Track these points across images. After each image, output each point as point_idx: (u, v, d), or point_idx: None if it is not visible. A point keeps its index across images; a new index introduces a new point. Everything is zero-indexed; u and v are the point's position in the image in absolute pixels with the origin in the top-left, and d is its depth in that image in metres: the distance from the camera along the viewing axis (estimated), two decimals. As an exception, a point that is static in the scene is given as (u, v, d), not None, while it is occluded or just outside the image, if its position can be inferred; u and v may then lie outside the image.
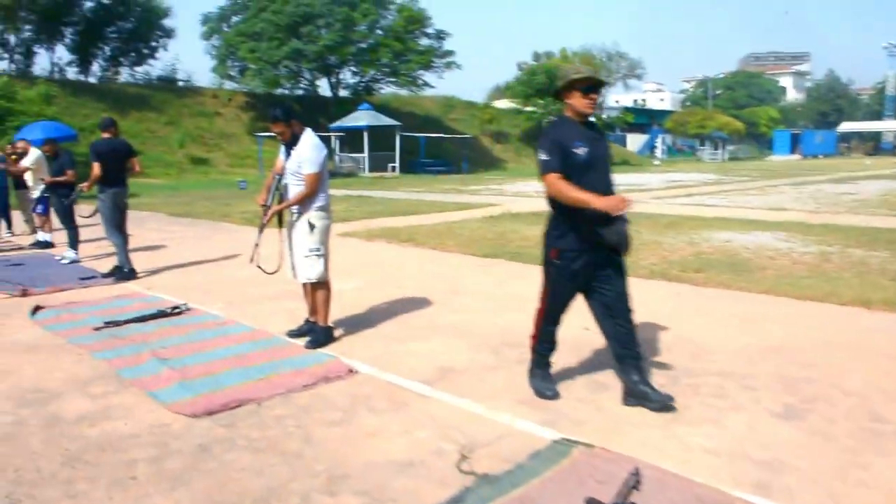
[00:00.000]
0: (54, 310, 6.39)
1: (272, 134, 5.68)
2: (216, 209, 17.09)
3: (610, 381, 4.27)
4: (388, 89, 44.92)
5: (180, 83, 42.87)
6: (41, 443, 3.54)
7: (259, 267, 5.33)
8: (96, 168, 7.93)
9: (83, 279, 8.12)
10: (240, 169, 35.18)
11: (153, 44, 42.07)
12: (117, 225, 8.27)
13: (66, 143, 17.49)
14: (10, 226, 13.21)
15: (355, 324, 5.82)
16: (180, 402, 3.96)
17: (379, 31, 38.49)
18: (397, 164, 36.67)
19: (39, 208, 11.23)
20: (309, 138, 5.18)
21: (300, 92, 44.03)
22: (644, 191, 22.65)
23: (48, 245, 11.17)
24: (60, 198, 9.67)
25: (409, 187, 25.44)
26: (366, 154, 35.72)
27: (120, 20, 40.26)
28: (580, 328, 5.04)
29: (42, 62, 52.73)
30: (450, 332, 5.58)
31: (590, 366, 4.67)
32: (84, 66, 41.11)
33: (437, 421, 3.75)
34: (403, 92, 46.34)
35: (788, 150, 74.62)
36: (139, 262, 8.92)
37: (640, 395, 3.90)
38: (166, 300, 6.78)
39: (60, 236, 11.19)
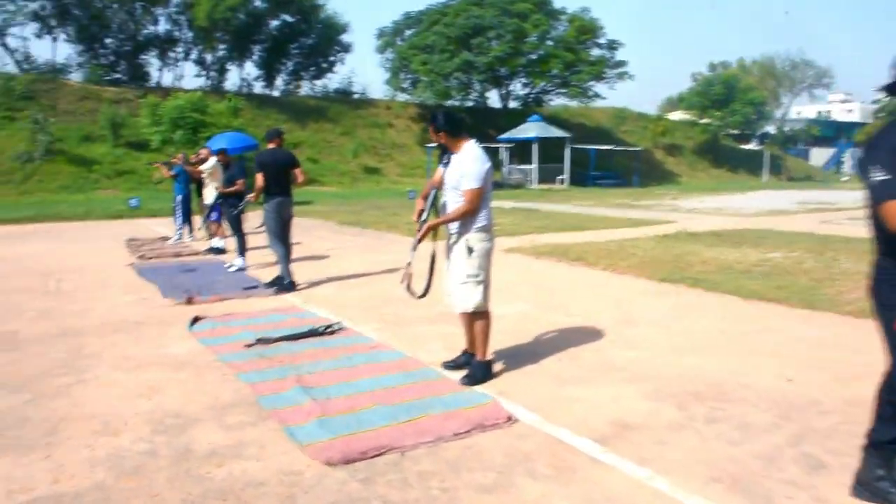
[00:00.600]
0: (211, 322, 6.28)
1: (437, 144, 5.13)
2: (384, 219, 17.14)
3: (830, 460, 3.38)
4: (557, 101, 44.21)
5: (355, 95, 44.40)
6: (166, 481, 3.22)
7: (408, 289, 4.88)
8: (259, 179, 7.91)
9: (246, 289, 8.10)
10: (409, 179, 35.77)
11: (331, 58, 43.89)
12: (280, 235, 8.19)
13: (248, 153, 18.43)
14: (192, 231, 13.82)
15: (517, 357, 5.21)
16: (317, 444, 3.52)
17: (549, 42, 37.82)
18: (566, 177, 35.80)
19: (213, 215, 11.59)
20: (471, 150, 4.63)
21: (470, 103, 44.30)
22: (837, 210, 20.43)
23: (220, 251, 11.49)
24: (230, 207, 9.82)
25: (579, 200, 24.56)
26: (534, 166, 35.15)
27: (302, 37, 42.31)
28: (782, 378, 4.15)
29: (233, 78, 57.85)
30: (624, 373, 4.83)
31: (801, 432, 3.77)
32: (269, 80, 43.58)
33: (612, 498, 3.05)
34: (573, 103, 45.44)
35: None
36: (301, 272, 8.84)
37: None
38: (321, 317, 6.51)
39: (233, 243, 11.52)
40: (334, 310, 6.85)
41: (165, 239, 13.77)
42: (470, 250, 4.62)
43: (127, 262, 10.55)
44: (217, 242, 11.71)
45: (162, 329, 6.14)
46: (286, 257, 8.13)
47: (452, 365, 4.88)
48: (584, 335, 5.85)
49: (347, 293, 7.88)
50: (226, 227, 11.32)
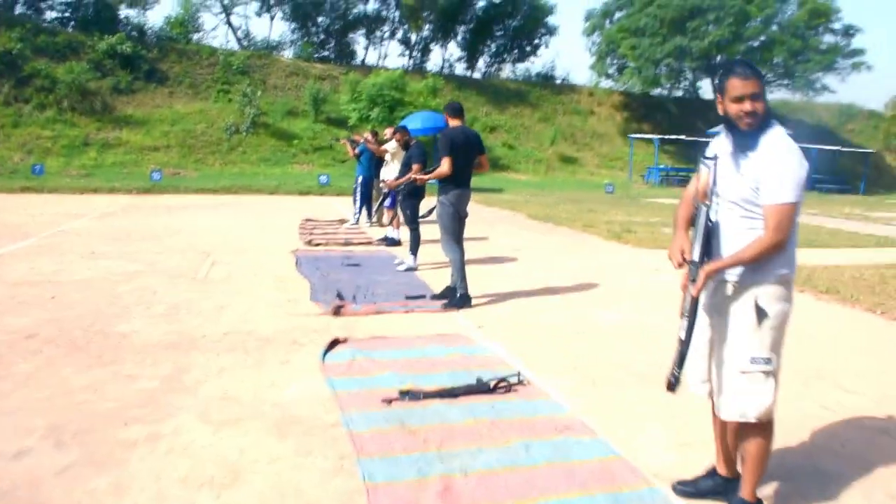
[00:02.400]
0: (351, 350, 4.82)
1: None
2: (580, 216, 15.27)
3: None
4: (777, 93, 39.63)
5: (557, 80, 42.43)
6: None
7: (672, 381, 2.71)
8: (447, 164, 6.36)
9: (410, 298, 6.64)
10: (607, 171, 33.47)
11: (535, 41, 42.16)
12: (457, 236, 6.64)
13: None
14: (370, 215, 12.76)
15: (789, 480, 3.25)
16: None
17: (774, 27, 33.56)
18: (784, 178, 31.66)
19: (388, 202, 10.32)
20: (781, 139, 2.69)
21: (679, 93, 40.91)
22: None
23: (395, 243, 10.22)
24: (407, 196, 8.43)
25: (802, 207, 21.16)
26: (749, 163, 31.41)
27: (507, 18, 40.92)
28: None
29: (435, 59, 57.87)
30: None
31: None
32: (471, 62, 42.68)
33: None
34: (794, 97, 40.63)
35: None
36: (479, 280, 7.28)
37: None
38: (495, 355, 4.87)
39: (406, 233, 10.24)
40: (514, 344, 5.19)
41: (343, 222, 12.84)
42: (762, 314, 2.69)
43: (292, 248, 9.55)
44: (392, 233, 10.47)
45: (289, 352, 4.79)
46: (461, 264, 6.56)
47: (692, 490, 3.00)
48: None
49: (533, 318, 6.18)
50: (400, 216, 10.06)
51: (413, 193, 8.35)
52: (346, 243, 10.23)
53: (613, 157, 35.25)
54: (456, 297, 6.47)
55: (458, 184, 6.49)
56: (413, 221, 8.43)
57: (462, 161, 6.44)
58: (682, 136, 33.09)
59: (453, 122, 6.59)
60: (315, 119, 30.14)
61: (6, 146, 23.69)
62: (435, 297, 6.70)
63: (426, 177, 6.89)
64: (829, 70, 35.48)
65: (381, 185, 10.83)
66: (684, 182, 30.42)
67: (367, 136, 12.74)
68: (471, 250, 8.69)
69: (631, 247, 10.97)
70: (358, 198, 12.53)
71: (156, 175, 20.84)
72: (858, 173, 36.13)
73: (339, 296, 6.52)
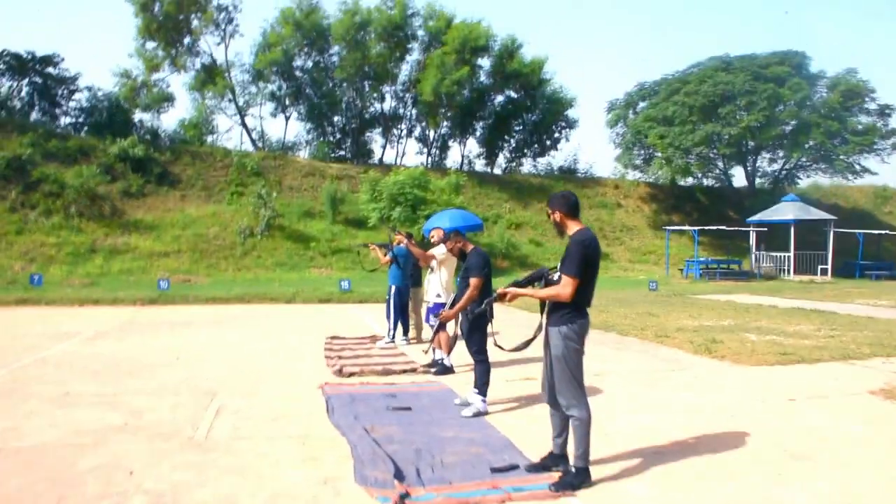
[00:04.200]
0: None
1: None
2: (641, 321, 13.28)
3: None
4: (809, 178, 38.19)
5: (581, 174, 41.19)
6: None
7: None
8: (570, 286, 4.47)
9: (496, 471, 4.62)
10: (641, 265, 31.60)
11: (556, 135, 41.19)
12: (581, 383, 4.67)
13: (471, 234, 15.45)
14: (406, 331, 10.84)
15: None
16: None
17: (808, 109, 32.25)
18: (829, 266, 29.71)
19: (433, 320, 8.38)
20: None
21: (711, 181, 39.47)
22: None
23: (447, 370, 8.21)
24: (476, 326, 6.49)
25: (866, 299, 19.06)
26: (792, 253, 29.52)
27: (526, 112, 40.09)
28: None
29: (454, 155, 56.95)
30: None
31: None
32: (490, 157, 41.65)
33: None
34: (826, 181, 39.10)
35: None
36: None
37: None
38: None
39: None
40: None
41: (374, 339, 10.89)
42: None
43: (319, 381, 7.58)
44: (441, 356, 8.50)
45: None
46: (590, 425, 4.57)
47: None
48: None
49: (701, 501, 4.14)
50: (446, 337, 8.13)
51: (480, 321, 6.42)
52: (386, 371, 8.24)
53: (646, 250, 33.44)
54: (571, 472, 4.45)
55: (585, 309, 4.66)
56: (481, 353, 6.48)
57: (592, 280, 4.61)
58: (723, 227, 31.35)
59: (574, 225, 4.69)
60: (333, 220, 28.68)
61: (7, 254, 22.20)
62: (533, 467, 4.67)
63: (544, 294, 4.87)
64: (869, 151, 33.92)
65: (426, 303, 8.87)
66: (727, 275, 28.45)
67: (402, 237, 10.96)
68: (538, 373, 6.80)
69: (731, 363, 8.91)
70: (392, 311, 10.63)
71: (163, 283, 19.12)
72: (908, 257, 34.20)
73: (397, 473, 4.50)
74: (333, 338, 11.00)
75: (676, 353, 9.76)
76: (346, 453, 5.04)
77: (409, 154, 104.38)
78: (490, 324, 5.67)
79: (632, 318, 13.70)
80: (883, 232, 34.22)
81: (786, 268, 29.98)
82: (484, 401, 6.35)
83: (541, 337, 4.77)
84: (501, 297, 4.85)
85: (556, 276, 4.61)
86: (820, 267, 30.07)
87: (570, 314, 4.56)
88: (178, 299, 17.34)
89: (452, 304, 6.87)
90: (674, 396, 7.06)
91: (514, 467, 4.71)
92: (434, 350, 8.34)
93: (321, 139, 38.36)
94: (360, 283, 20.72)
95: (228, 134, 76.94)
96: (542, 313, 4.75)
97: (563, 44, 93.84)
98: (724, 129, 31.51)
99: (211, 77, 35.70)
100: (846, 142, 32.70)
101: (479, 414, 6.21)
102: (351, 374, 8.04)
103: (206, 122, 36.45)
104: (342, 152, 39.07)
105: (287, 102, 38.13)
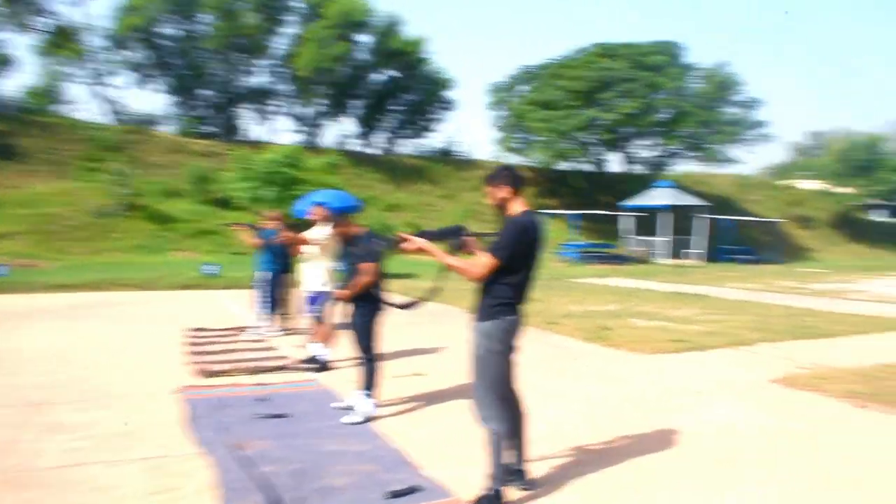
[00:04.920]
0: None
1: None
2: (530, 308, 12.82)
3: None
4: (682, 166, 39.63)
5: (459, 156, 40.89)
6: None
7: None
8: (485, 264, 3.79)
9: (396, 495, 3.86)
10: (520, 249, 31.62)
11: (434, 116, 40.69)
12: (504, 391, 3.95)
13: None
14: (278, 321, 9.86)
15: None
16: None
17: (685, 99, 33.26)
18: (698, 251, 30.84)
19: (312, 308, 7.48)
20: None
21: (588, 167, 40.14)
22: None
23: (322, 367, 7.34)
24: (364, 309, 5.69)
25: (735, 282, 19.65)
26: (669, 238, 30.39)
27: (404, 93, 39.32)
28: None
29: (329, 135, 54.77)
30: None
31: None
32: (367, 137, 40.66)
33: None
34: (694, 168, 40.77)
35: None
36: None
37: None
38: None
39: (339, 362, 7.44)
40: None
41: (242, 330, 9.84)
42: None
43: (179, 384, 6.53)
44: (317, 349, 7.63)
45: None
46: (502, 440, 3.86)
47: None
48: None
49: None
50: (327, 327, 7.28)
51: (367, 304, 5.65)
52: (257, 370, 7.26)
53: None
54: (485, 495, 3.76)
55: (516, 305, 3.92)
56: (371, 349, 5.69)
57: (528, 272, 3.92)
58: (599, 211, 31.85)
59: (518, 205, 3.96)
60: (198, 200, 26.85)
61: None
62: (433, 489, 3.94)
63: (450, 262, 4.05)
64: (737, 141, 35.46)
65: (306, 292, 7.90)
66: (605, 259, 28.89)
67: (273, 218, 9.93)
68: (434, 370, 6.13)
69: (626, 351, 8.55)
70: (265, 299, 9.61)
71: (1, 269, 17.00)
72: (763, 242, 36.00)
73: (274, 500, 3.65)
74: (197, 330, 9.85)
75: (568, 341, 9.32)
76: (209, 477, 4.13)
77: (282, 132, 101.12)
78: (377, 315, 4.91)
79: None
80: (747, 218, 35.92)
81: (658, 252, 30.83)
82: (371, 405, 5.56)
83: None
84: (400, 243, 4.07)
85: (471, 238, 4.05)
86: (690, 251, 31.13)
87: (498, 309, 3.85)
88: (20, 287, 15.40)
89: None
90: (576, 388, 6.53)
91: (412, 490, 3.96)
92: (306, 344, 7.39)
93: (187, 114, 36.00)
94: (228, 267, 19.31)
95: (83, 105, 71.76)
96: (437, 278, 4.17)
97: (444, 24, 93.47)
98: (603, 115, 31.95)
99: (63, 40, 32.56)
100: (717, 131, 33.96)
101: (365, 420, 5.41)
102: (216, 374, 7.02)
103: (56, 90, 33.31)
104: (210, 128, 36.91)
105: (150, 73, 35.48)
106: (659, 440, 5.03)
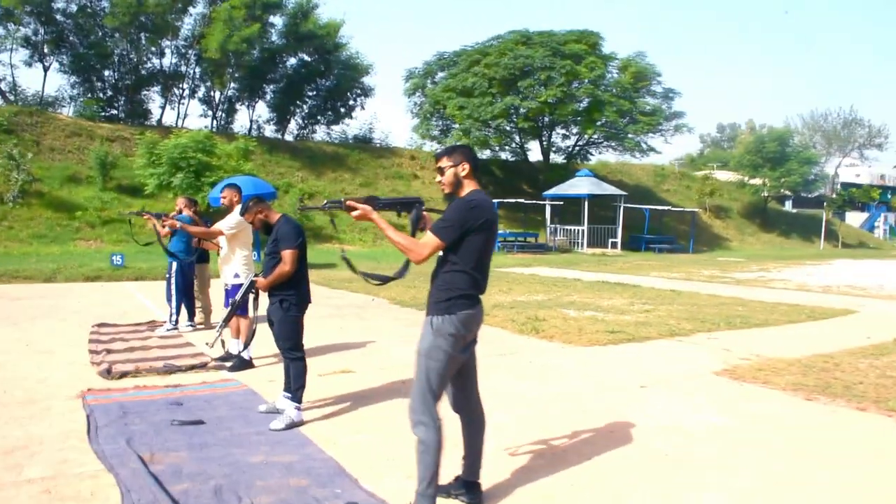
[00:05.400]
0: None
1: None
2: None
3: None
4: (600, 155, 40.11)
5: (377, 143, 40.20)
6: None
7: None
8: (429, 246, 3.42)
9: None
10: (440, 238, 31.32)
11: (351, 102, 39.84)
12: (438, 393, 3.53)
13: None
14: (192, 315, 9.20)
15: None
16: None
17: (603, 88, 33.53)
18: (619, 240, 31.31)
19: (231, 301, 6.88)
20: None
21: (507, 155, 40.11)
22: None
23: (245, 364, 6.77)
24: (280, 303, 5.20)
25: (658, 272, 19.92)
26: (585, 227, 30.68)
27: (320, 78, 38.31)
28: None
29: (242, 120, 52.29)
30: None
31: None
32: (282, 123, 39.48)
33: None
34: (612, 158, 41.38)
35: None
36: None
37: None
38: None
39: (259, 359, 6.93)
40: None
41: (153, 326, 9.12)
42: None
43: (80, 387, 5.86)
44: (236, 345, 7.06)
45: None
46: (439, 450, 3.45)
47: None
48: None
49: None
50: (247, 321, 6.73)
51: (289, 296, 5.17)
52: (169, 369, 6.64)
53: (407, 225, 33.24)
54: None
55: (472, 297, 3.52)
56: (296, 348, 5.20)
57: (483, 260, 3.53)
58: (520, 200, 31.88)
59: (471, 185, 3.56)
60: (103, 186, 25.39)
61: None
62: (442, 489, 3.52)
63: (394, 237, 3.60)
64: (655, 131, 36.04)
65: (226, 286, 7.25)
66: (524, 248, 28.91)
67: (182, 205, 9.24)
68: (363, 366, 5.71)
69: (562, 344, 8.30)
70: (174, 292, 8.92)
71: None
72: (681, 231, 36.88)
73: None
74: (101, 325, 9.07)
75: (501, 334, 9.00)
76: (115, 502, 3.58)
77: (192, 116, 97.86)
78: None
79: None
80: (665, 208, 36.68)
81: (579, 241, 31.10)
82: (299, 408, 5.07)
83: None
84: (348, 209, 3.63)
85: (427, 214, 3.75)
86: (610, 240, 31.57)
87: (451, 302, 3.43)
88: None
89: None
90: (517, 386, 6.19)
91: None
92: (222, 340, 6.70)
93: (89, 95, 34.00)
94: (136, 257, 18.24)
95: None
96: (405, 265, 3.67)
97: (360, 9, 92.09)
98: (522, 103, 31.84)
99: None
100: (635, 121, 34.43)
101: (292, 425, 4.92)
102: (123, 375, 6.36)
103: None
104: (114, 111, 35.03)
105: (45, 50, 33.23)
106: (610, 440, 4.74)
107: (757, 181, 42.51)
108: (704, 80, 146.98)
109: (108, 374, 6.35)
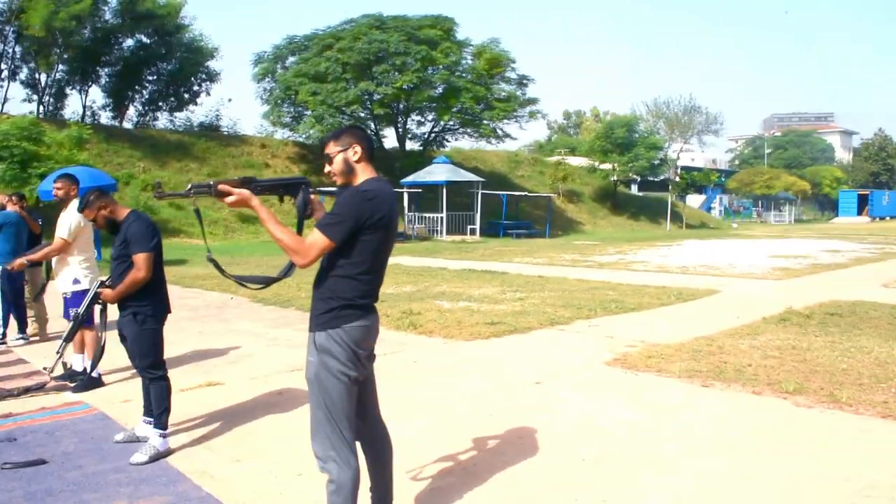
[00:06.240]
0: None
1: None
2: (309, 289, 11.77)
3: None
4: (456, 142, 40.17)
5: (224, 131, 38.28)
6: None
7: None
8: (315, 248, 2.82)
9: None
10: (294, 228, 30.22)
11: (195, 88, 37.67)
12: (350, 421, 2.96)
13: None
14: (23, 326, 8.04)
15: None
16: None
17: (458, 74, 33.50)
18: (478, 227, 31.51)
19: (71, 313, 5.92)
20: None
21: (364, 142, 39.42)
22: (849, 264, 17.02)
23: (94, 383, 5.86)
24: (140, 317, 4.44)
25: (521, 257, 20.08)
26: (444, 214, 30.61)
27: (160, 61, 35.93)
28: None
29: (73, 105, 47.86)
30: None
31: None
32: (119, 110, 36.70)
33: None
34: (466, 145, 41.62)
35: (855, 212, 68.81)
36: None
37: None
38: None
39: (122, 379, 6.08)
40: None
41: (-24, 341, 7.90)
42: None
43: None
44: (79, 362, 6.11)
45: None
46: (349, 491, 2.90)
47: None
48: None
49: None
50: (92, 337, 5.86)
51: (144, 307, 4.42)
52: (-2, 396, 5.63)
53: (294, 213, 32.15)
54: None
55: (364, 306, 2.95)
56: (157, 366, 4.46)
57: (378, 260, 2.96)
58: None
59: (367, 172, 2.98)
60: (-90, 180, 22.39)
61: None
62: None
63: (272, 229, 3.07)
64: (510, 118, 36.44)
65: (64, 294, 6.21)
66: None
67: (4, 200, 8.09)
68: (231, 376, 5.08)
69: (444, 339, 7.91)
70: (1, 300, 7.74)
71: None
72: (536, 216, 37.63)
73: None
74: None
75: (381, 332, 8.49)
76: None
77: (14, 101, 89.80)
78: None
79: (300, 287, 11.92)
80: (521, 193, 37.28)
81: (438, 228, 30.98)
82: (164, 435, 4.35)
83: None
84: (219, 195, 2.96)
85: (315, 197, 3.17)
86: (469, 227, 31.67)
87: (338, 313, 2.85)
88: None
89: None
90: (408, 391, 5.70)
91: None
92: (62, 358, 5.76)
93: None
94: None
95: None
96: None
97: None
98: (377, 89, 31.22)
99: None
100: (491, 107, 34.60)
101: (157, 456, 4.19)
102: (-62, 406, 5.32)
103: None
104: (-81, 96, 31.24)
105: None
106: (522, 447, 4.36)
107: (607, 166, 44.14)
108: (553, 67, 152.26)
109: (-83, 405, 5.28)
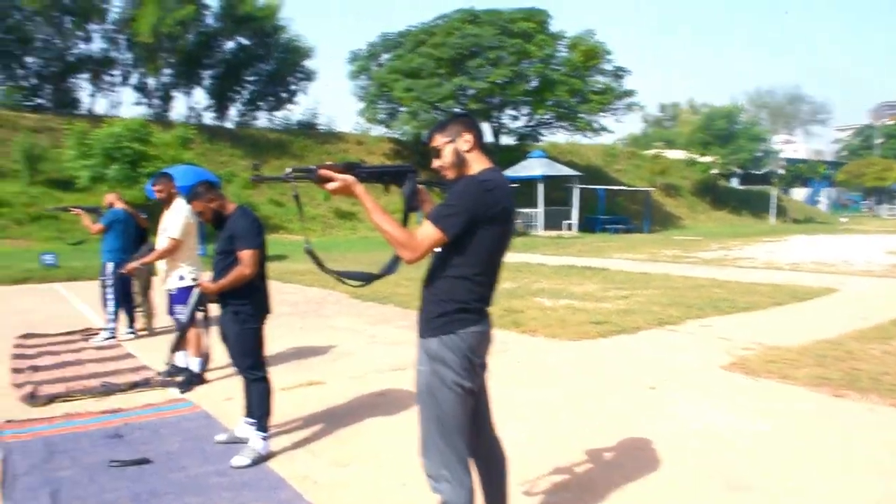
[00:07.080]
0: None
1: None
2: (414, 287, 11.66)
3: None
4: (551, 136, 39.42)
5: (321, 128, 38.94)
6: None
7: None
8: (421, 239, 2.61)
9: None
10: (391, 224, 30.41)
11: (293, 87, 38.48)
12: (462, 434, 2.71)
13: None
14: (132, 321, 8.21)
15: None
16: None
17: (554, 67, 32.89)
18: (575, 222, 30.87)
19: (178, 310, 5.92)
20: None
21: (454, 136, 39.40)
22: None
23: (196, 380, 5.87)
24: (238, 313, 4.33)
25: (620, 253, 19.45)
26: (541, 209, 30.12)
27: (260, 62, 36.89)
28: None
29: (179, 107, 50.08)
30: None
31: None
32: (221, 110, 37.90)
33: None
34: (562, 138, 40.81)
35: (979, 207, 63.82)
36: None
37: None
38: None
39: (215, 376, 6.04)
40: None
41: (88, 333, 8.12)
42: None
43: (-4, 420, 4.90)
44: (183, 360, 6.12)
45: None
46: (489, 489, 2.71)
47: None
48: None
49: None
50: (196, 335, 5.85)
51: (245, 305, 4.31)
52: (107, 389, 5.69)
53: (393, 209, 32.02)
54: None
55: (480, 310, 2.74)
56: (257, 367, 4.35)
57: (492, 260, 2.71)
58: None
59: (481, 163, 2.78)
60: (31, 181, 23.75)
61: None
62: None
63: (378, 220, 3.03)
64: (606, 111, 35.60)
65: (168, 291, 6.24)
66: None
67: (113, 199, 8.26)
68: (332, 375, 4.91)
69: (546, 338, 7.59)
70: (111, 295, 7.92)
71: None
72: (633, 211, 36.66)
73: None
74: (26, 336, 8.00)
75: (512, 335, 8.26)
76: None
77: (126, 105, 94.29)
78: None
79: (406, 286, 11.90)
80: (618, 188, 36.42)
81: (535, 223, 30.54)
82: (265, 437, 4.23)
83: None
84: (320, 181, 2.75)
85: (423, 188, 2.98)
86: (565, 222, 31.10)
87: (452, 318, 2.61)
88: None
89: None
90: (516, 393, 5.41)
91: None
92: (177, 352, 5.84)
93: (10, 83, 31.97)
94: (70, 256, 16.93)
95: None
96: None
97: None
98: (472, 84, 31.03)
99: None
100: (587, 100, 33.88)
101: (259, 460, 4.07)
102: (51, 400, 5.41)
103: None
104: (40, 101, 33.01)
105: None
106: (639, 458, 4.03)
107: (707, 159, 42.58)
108: (646, 58, 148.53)
109: (31, 399, 5.38)
